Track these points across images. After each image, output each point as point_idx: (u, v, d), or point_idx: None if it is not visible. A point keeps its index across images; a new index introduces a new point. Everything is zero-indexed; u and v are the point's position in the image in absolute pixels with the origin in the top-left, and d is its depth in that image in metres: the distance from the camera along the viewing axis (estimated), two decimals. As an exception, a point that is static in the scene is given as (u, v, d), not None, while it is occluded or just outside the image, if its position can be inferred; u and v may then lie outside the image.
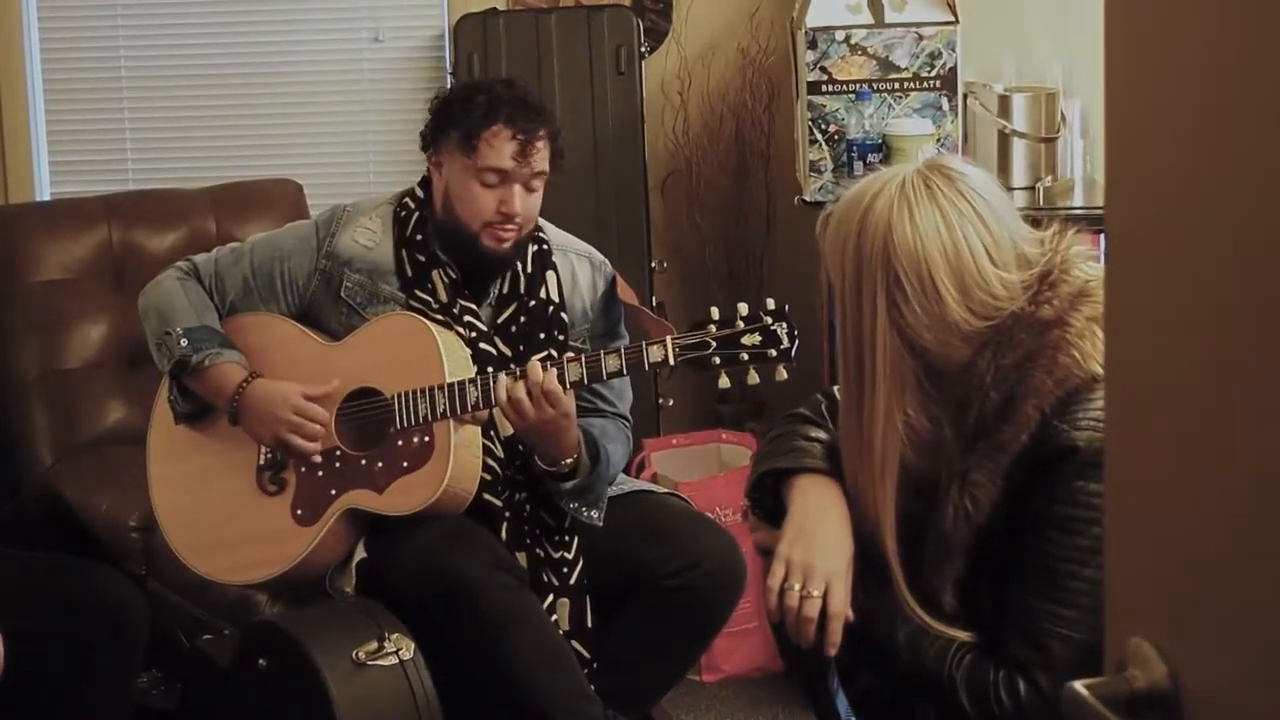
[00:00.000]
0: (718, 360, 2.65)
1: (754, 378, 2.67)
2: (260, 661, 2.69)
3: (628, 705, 2.88)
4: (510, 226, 2.87)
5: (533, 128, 2.85)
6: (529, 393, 2.69)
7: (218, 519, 2.95)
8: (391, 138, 4.40)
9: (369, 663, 2.62)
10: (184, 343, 2.86)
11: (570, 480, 2.83)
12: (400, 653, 2.64)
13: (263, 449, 2.92)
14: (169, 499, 3.01)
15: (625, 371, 2.70)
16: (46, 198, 4.39)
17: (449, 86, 3.00)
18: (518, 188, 2.85)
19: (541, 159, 2.87)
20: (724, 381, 2.68)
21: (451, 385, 2.76)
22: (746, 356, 2.65)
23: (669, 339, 2.66)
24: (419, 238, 2.93)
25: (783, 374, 2.64)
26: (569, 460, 2.81)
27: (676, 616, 2.85)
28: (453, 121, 2.89)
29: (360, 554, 2.86)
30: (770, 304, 2.67)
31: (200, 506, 2.97)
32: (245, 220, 3.98)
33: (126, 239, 3.91)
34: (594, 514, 2.92)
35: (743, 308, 2.67)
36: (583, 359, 2.73)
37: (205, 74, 4.41)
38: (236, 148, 4.41)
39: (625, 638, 2.88)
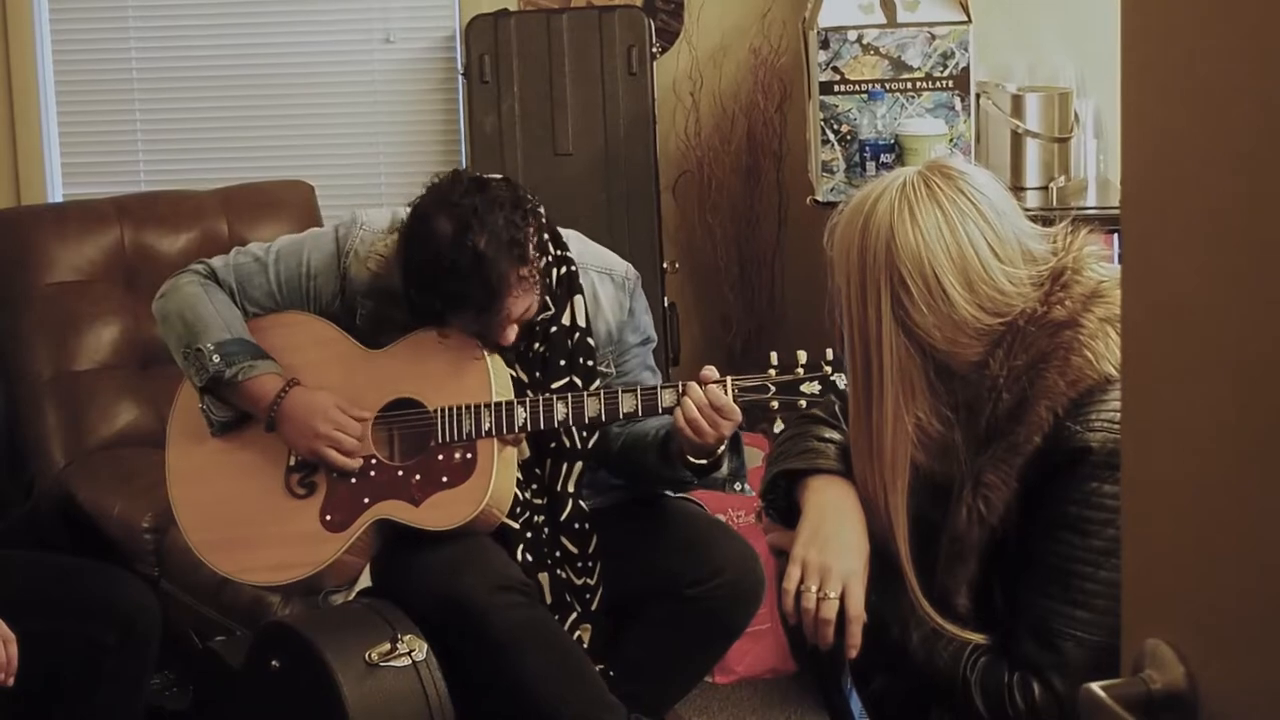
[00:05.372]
0: (776, 405, 2.68)
1: None
2: (273, 662, 2.69)
3: (643, 710, 2.87)
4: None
5: (499, 305, 2.70)
6: (702, 412, 2.66)
7: (240, 517, 2.89)
8: (403, 138, 4.40)
9: (381, 664, 2.62)
10: (216, 359, 2.80)
11: (717, 470, 2.80)
12: (413, 654, 2.64)
13: (293, 451, 2.88)
14: (186, 492, 2.94)
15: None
16: (58, 199, 4.39)
17: (407, 238, 2.74)
18: (509, 327, 2.76)
19: (520, 305, 2.74)
20: (779, 426, 2.66)
21: (499, 404, 2.74)
22: (805, 404, 2.66)
23: (729, 379, 2.68)
24: None
25: None
26: (721, 448, 2.77)
27: (695, 624, 2.85)
28: (416, 290, 2.74)
29: (365, 582, 2.84)
30: (830, 354, 2.67)
31: (221, 502, 2.90)
32: (257, 221, 3.98)
33: (138, 240, 3.91)
34: (746, 486, 2.97)
35: (801, 355, 2.69)
36: (638, 393, 2.71)
37: (216, 75, 4.42)
38: (248, 149, 4.41)
39: (642, 644, 2.88)
